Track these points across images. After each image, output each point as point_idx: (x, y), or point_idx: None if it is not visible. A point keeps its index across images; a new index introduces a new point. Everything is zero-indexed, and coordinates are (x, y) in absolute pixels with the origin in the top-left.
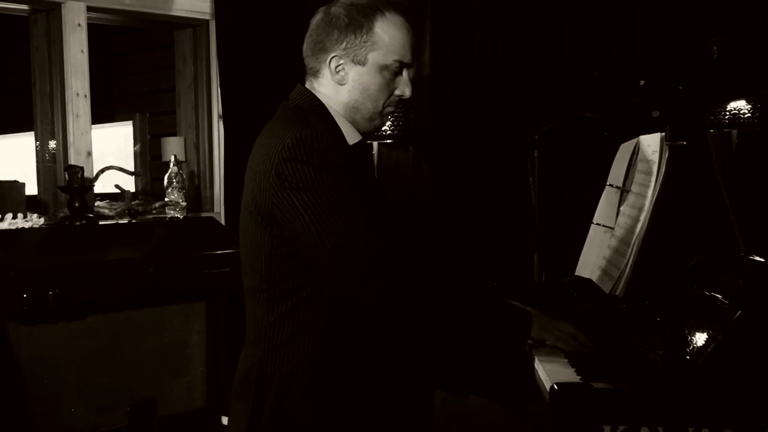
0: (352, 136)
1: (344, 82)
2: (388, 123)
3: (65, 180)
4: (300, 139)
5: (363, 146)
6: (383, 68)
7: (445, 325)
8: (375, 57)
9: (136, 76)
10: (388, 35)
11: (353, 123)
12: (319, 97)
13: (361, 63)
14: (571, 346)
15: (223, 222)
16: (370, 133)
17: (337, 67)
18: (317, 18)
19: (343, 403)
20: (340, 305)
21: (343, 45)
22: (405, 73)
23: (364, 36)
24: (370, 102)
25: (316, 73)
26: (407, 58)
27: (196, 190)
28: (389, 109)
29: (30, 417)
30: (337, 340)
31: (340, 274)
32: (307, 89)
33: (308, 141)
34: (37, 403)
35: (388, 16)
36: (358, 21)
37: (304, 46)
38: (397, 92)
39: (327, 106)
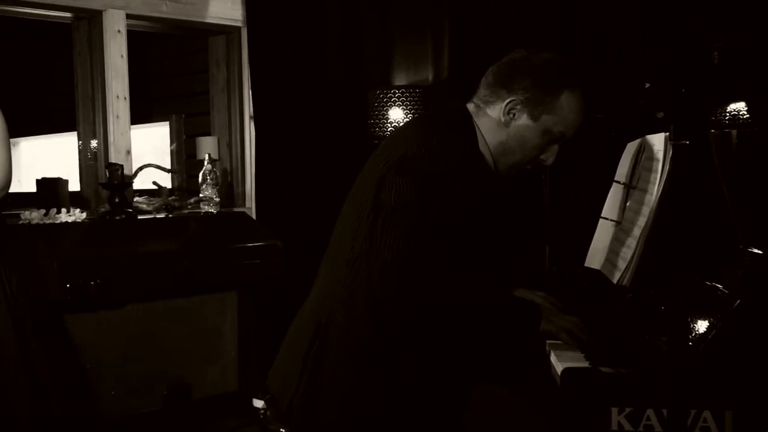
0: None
1: (509, 126)
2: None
3: (106, 177)
4: (438, 141)
5: (492, 176)
6: (547, 132)
7: (461, 324)
8: (547, 120)
9: (172, 79)
10: (567, 108)
11: (495, 162)
12: (476, 120)
13: (534, 119)
14: (574, 337)
15: (254, 216)
16: (502, 177)
17: (511, 110)
18: (516, 56)
19: (373, 391)
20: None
21: (529, 95)
22: (558, 145)
23: (550, 98)
24: (520, 153)
25: (487, 103)
26: (569, 134)
27: (228, 186)
28: (529, 167)
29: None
30: (384, 328)
31: (377, 256)
32: (466, 109)
33: (443, 146)
34: (80, 385)
35: (575, 92)
36: (552, 82)
37: (488, 75)
38: (542, 157)
39: (478, 132)
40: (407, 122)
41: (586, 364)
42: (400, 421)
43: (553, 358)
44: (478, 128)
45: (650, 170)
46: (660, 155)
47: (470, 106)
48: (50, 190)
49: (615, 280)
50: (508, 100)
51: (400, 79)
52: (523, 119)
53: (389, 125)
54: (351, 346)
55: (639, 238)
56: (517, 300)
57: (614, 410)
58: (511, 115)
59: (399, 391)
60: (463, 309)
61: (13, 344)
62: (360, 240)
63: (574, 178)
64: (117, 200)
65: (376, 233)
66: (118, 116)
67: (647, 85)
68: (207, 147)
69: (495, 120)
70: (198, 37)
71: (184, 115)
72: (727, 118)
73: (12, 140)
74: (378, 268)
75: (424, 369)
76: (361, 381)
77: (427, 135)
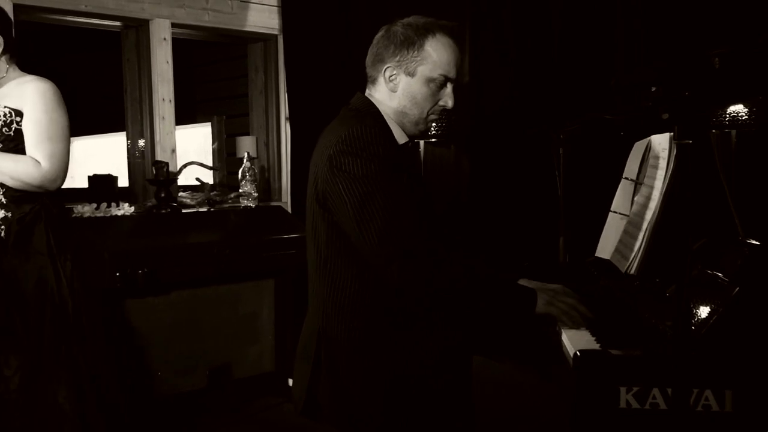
0: (400, 137)
1: (396, 90)
2: (433, 124)
3: (152, 174)
4: (352, 133)
5: (409, 147)
6: (430, 80)
7: (465, 306)
8: (423, 70)
9: (214, 83)
10: (436, 53)
11: (402, 126)
12: (374, 102)
13: (411, 74)
14: (573, 319)
15: (289, 210)
16: (416, 136)
17: (390, 76)
18: (379, 34)
19: (389, 371)
20: (383, 283)
21: (397, 58)
22: (449, 86)
23: (416, 52)
24: (417, 109)
25: (373, 81)
26: (451, 74)
27: (266, 182)
28: (433, 116)
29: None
30: (383, 314)
31: (373, 255)
32: (364, 96)
33: (359, 135)
34: (130, 366)
35: (438, 37)
36: (412, 39)
37: (367, 58)
38: (440, 102)
39: (380, 111)
40: (323, 132)
41: (596, 347)
42: (415, 402)
43: (564, 339)
44: (377, 106)
45: (656, 167)
46: (665, 154)
47: (366, 92)
48: (101, 185)
49: (623, 269)
50: (384, 69)
51: None
52: (403, 79)
53: None
54: (354, 335)
55: (646, 230)
56: (516, 286)
57: (623, 389)
58: (393, 81)
59: (408, 374)
60: (469, 295)
61: (79, 331)
62: (322, 239)
63: (586, 175)
64: (163, 195)
65: (356, 232)
66: (163, 117)
67: (653, 89)
68: (246, 146)
69: (384, 92)
70: (238, 44)
71: (224, 117)
72: (727, 119)
73: None
74: (380, 261)
75: (432, 339)
76: (376, 361)
77: (341, 130)
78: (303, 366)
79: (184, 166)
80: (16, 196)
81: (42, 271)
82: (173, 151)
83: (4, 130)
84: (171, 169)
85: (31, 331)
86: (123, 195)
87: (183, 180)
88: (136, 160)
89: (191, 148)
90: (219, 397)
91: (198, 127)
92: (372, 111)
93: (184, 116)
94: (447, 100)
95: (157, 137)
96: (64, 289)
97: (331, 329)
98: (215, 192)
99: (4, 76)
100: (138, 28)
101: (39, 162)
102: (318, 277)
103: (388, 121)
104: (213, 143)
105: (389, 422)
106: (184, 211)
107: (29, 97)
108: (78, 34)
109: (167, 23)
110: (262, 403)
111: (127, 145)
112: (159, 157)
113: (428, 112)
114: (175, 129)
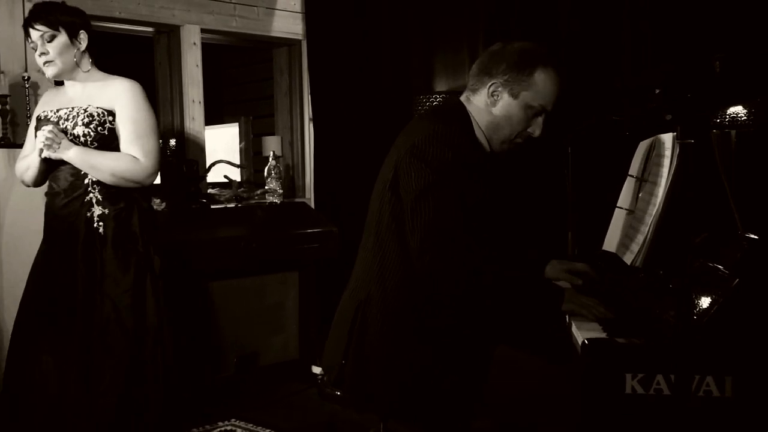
0: (485, 146)
1: (495, 105)
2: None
3: (183, 171)
4: (438, 130)
5: (489, 157)
6: (528, 107)
7: (499, 301)
8: (526, 96)
9: (241, 85)
10: (542, 83)
11: (488, 140)
12: (469, 109)
13: (514, 96)
14: (591, 313)
15: (312, 206)
16: (496, 152)
17: (494, 92)
18: (494, 48)
19: (409, 364)
20: (421, 275)
21: (507, 77)
22: (542, 117)
23: (525, 77)
24: (508, 129)
25: (474, 91)
26: (549, 107)
27: (290, 179)
28: (519, 140)
29: None
30: (414, 307)
31: (414, 239)
32: (459, 100)
33: (444, 133)
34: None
35: (548, 69)
36: (524, 64)
37: (473, 67)
38: (529, 130)
39: (472, 118)
40: (415, 117)
41: (603, 335)
42: (434, 381)
43: (573, 329)
44: (471, 114)
45: (660, 165)
46: (668, 152)
47: (462, 98)
48: None
49: (629, 262)
50: (489, 84)
51: (440, 86)
52: (505, 98)
53: None
54: (387, 319)
55: (650, 224)
56: (545, 284)
57: (628, 376)
58: (495, 97)
59: (432, 356)
60: (500, 291)
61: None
62: (384, 223)
63: (594, 173)
64: (193, 191)
65: (407, 217)
66: (193, 118)
67: (657, 91)
68: (272, 145)
69: (483, 103)
70: (263, 49)
71: (251, 117)
72: (727, 120)
73: None
74: (416, 251)
75: (455, 336)
76: (399, 348)
77: (430, 125)
78: (341, 336)
79: (213, 164)
80: (111, 192)
81: (139, 263)
82: (203, 150)
83: (99, 129)
84: (200, 167)
85: (126, 321)
86: (155, 191)
87: (212, 177)
88: (167, 158)
89: (220, 147)
90: (246, 384)
91: (226, 128)
92: (463, 116)
93: (213, 117)
94: (536, 129)
95: (188, 137)
96: (154, 280)
97: (369, 307)
98: (242, 189)
99: (89, 71)
100: (169, 34)
101: (137, 158)
102: (371, 256)
103: (475, 128)
104: (240, 143)
105: (403, 411)
106: (213, 206)
107: (121, 97)
108: (111, 39)
109: (197, 29)
110: (288, 388)
111: (159, 144)
112: (189, 155)
113: (516, 134)
114: (204, 129)
